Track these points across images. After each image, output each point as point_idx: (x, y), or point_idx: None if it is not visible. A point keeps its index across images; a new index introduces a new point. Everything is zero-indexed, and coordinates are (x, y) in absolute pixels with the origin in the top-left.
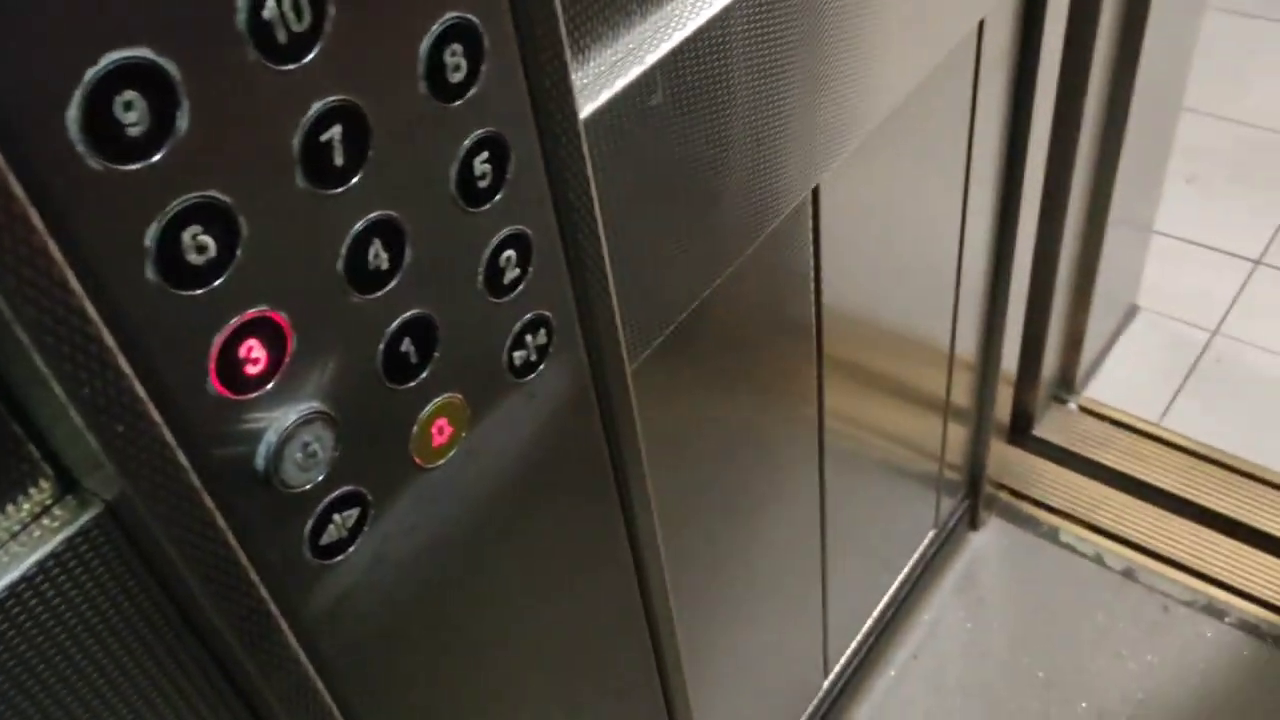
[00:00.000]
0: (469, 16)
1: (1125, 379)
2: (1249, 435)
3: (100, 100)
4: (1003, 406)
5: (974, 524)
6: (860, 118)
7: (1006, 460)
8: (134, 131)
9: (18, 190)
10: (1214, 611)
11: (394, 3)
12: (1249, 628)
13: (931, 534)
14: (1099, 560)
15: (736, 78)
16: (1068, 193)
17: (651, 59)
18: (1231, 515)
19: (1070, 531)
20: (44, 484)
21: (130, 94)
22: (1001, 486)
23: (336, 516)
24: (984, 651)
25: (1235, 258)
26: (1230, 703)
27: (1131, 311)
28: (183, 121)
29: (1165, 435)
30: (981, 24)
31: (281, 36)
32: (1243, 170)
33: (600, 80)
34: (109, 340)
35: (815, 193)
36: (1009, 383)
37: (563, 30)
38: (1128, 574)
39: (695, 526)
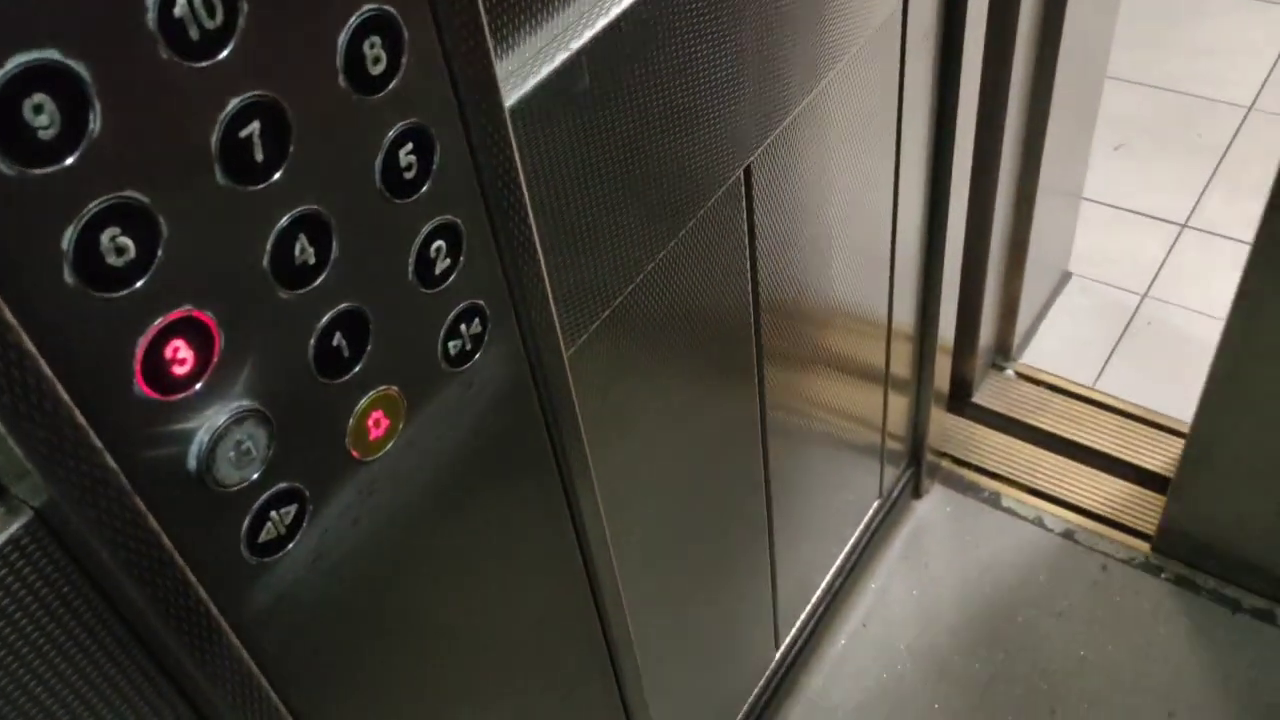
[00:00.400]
0: (387, 8)
1: (1060, 344)
2: (1180, 394)
3: (9, 104)
4: (941, 376)
5: (917, 492)
6: (787, 97)
7: (947, 428)
8: (45, 134)
9: None
10: (1150, 568)
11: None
12: (1185, 582)
13: (876, 504)
14: (1039, 523)
15: (662, 61)
16: (997, 163)
17: (576, 45)
18: (1164, 474)
19: (1011, 496)
20: None
21: (40, 97)
22: (943, 454)
23: (274, 514)
24: (931, 617)
25: (1162, 222)
26: (1169, 656)
27: (1064, 278)
28: (95, 123)
29: (1100, 398)
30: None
31: (194, 34)
32: (1167, 136)
33: (526, 68)
34: (28, 345)
35: (747, 172)
36: (947, 352)
37: (484, 19)
38: (1067, 535)
39: (640, 507)
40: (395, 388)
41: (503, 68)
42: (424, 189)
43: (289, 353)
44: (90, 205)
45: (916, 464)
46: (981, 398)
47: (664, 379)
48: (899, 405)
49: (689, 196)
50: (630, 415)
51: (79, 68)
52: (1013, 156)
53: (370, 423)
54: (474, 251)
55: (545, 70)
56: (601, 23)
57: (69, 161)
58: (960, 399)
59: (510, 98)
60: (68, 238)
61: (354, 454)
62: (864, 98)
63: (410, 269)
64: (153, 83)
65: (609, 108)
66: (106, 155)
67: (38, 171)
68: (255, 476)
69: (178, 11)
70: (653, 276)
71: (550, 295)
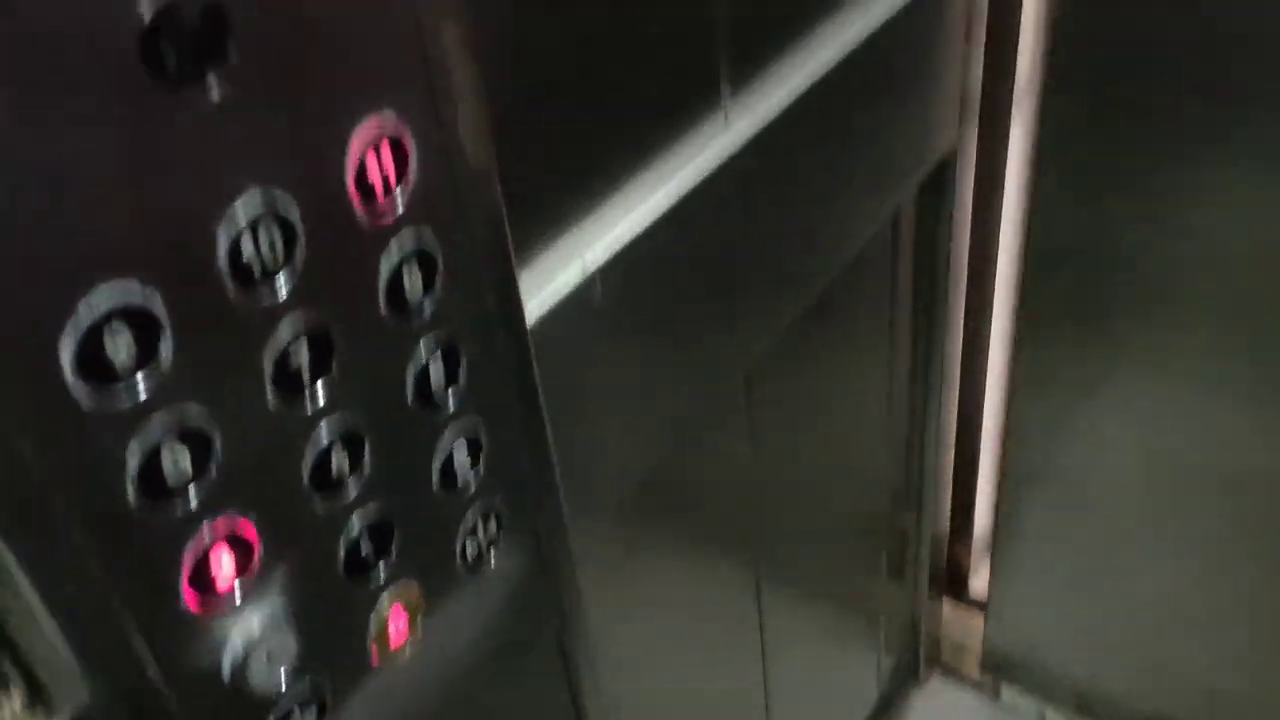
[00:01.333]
0: (426, 247)
1: None
2: None
3: (93, 336)
4: (937, 565)
5: (916, 683)
6: (782, 309)
7: (944, 618)
8: (119, 360)
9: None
10: None
11: (359, 236)
12: None
13: (875, 696)
14: (1042, 718)
15: (666, 278)
16: (984, 361)
17: (591, 262)
18: None
19: (1011, 688)
20: (15, 692)
21: (118, 326)
22: (941, 643)
23: (296, 717)
24: None
25: None
26: None
27: None
28: (166, 350)
29: None
30: (897, 212)
31: (257, 273)
32: None
33: (544, 282)
34: (94, 556)
35: (747, 379)
36: (941, 543)
37: (510, 248)
38: None
39: (640, 703)
40: (415, 591)
41: (523, 282)
42: (451, 403)
43: (320, 560)
44: (153, 423)
45: (914, 655)
46: (977, 586)
47: (663, 575)
48: (896, 596)
49: (694, 402)
50: (632, 611)
51: (155, 306)
52: (1001, 349)
53: (390, 626)
54: (494, 460)
55: (563, 287)
56: (612, 240)
57: (138, 383)
58: (957, 588)
59: (529, 310)
60: (131, 453)
61: (374, 658)
62: (856, 306)
63: (435, 477)
64: (218, 316)
65: (618, 317)
66: (172, 379)
67: (110, 388)
68: (284, 684)
69: (245, 257)
70: (657, 477)
71: (562, 499)
